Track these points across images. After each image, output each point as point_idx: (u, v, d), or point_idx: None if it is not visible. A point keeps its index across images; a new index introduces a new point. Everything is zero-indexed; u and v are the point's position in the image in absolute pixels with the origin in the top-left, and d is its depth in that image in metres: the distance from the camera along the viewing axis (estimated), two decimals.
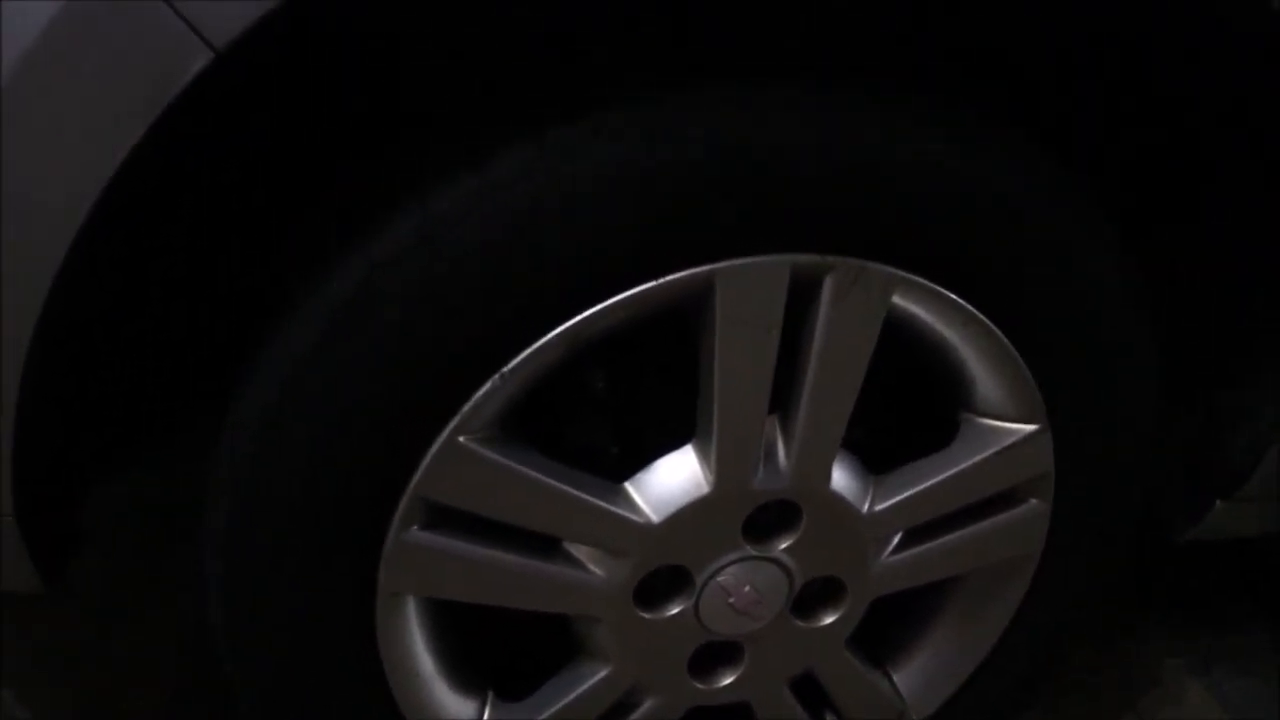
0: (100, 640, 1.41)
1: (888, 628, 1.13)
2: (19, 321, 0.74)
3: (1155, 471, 1.13)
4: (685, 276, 0.81)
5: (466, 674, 1.01)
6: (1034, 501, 1.05)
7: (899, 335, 0.93)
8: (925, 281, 0.88)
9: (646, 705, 1.02)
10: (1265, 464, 1.13)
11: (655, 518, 0.90)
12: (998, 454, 0.99)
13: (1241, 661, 1.58)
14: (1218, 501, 1.19)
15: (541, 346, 0.81)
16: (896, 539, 1.01)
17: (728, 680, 1.03)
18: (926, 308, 0.91)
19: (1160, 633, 1.61)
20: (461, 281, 0.78)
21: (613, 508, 0.89)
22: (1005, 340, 0.94)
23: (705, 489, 0.90)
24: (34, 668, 1.36)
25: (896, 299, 0.88)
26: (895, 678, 1.14)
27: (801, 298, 0.86)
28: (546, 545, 0.91)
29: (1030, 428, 0.99)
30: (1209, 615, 1.66)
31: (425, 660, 0.97)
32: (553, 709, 0.99)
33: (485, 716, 1.01)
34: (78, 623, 1.42)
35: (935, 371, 0.98)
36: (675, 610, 0.95)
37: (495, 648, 1.05)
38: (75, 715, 1.31)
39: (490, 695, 1.02)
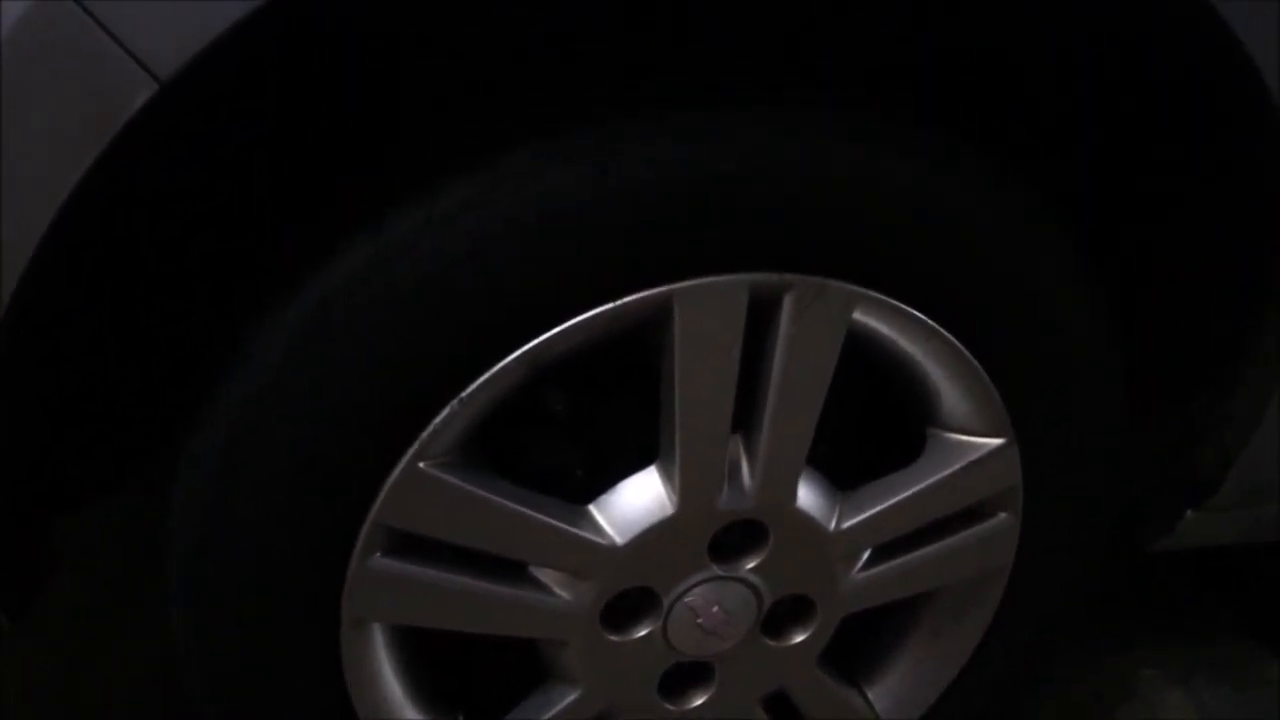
0: (69, 676, 1.40)
1: (860, 644, 1.13)
2: None
3: (1125, 482, 1.13)
4: (643, 298, 0.81)
5: (436, 699, 1.00)
6: (1003, 515, 1.05)
7: (862, 351, 0.93)
8: (886, 298, 0.88)
9: None
10: (1235, 473, 1.13)
11: (620, 540, 0.89)
12: (965, 468, 0.99)
13: (1220, 670, 1.58)
14: (1189, 511, 1.19)
15: (499, 371, 0.81)
16: (865, 555, 1.00)
17: (699, 701, 1.02)
18: (888, 324, 0.91)
19: (1138, 643, 1.61)
20: (414, 309, 0.78)
21: (577, 530, 0.88)
22: (969, 355, 0.94)
23: (670, 510, 0.89)
24: (7, 696, 1.35)
25: (858, 315, 0.88)
26: (869, 694, 1.14)
27: (762, 316, 0.85)
28: (511, 569, 0.90)
29: (997, 441, 0.99)
30: (1186, 624, 1.66)
31: (394, 686, 0.96)
32: None
33: None
34: (45, 660, 1.41)
35: (900, 387, 0.98)
36: (643, 632, 0.95)
37: (465, 672, 1.04)
38: None
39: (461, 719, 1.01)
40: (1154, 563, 1.69)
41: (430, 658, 1.00)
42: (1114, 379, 1.03)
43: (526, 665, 1.00)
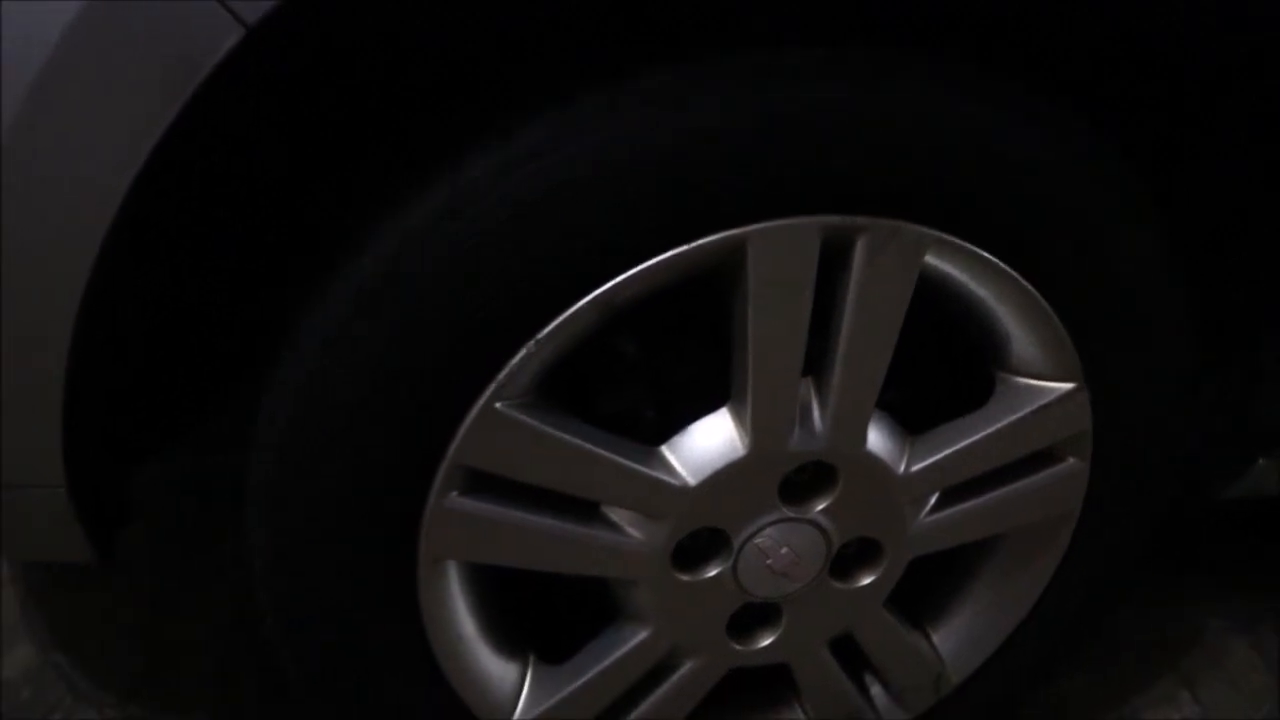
0: (152, 614, 1.44)
1: (927, 588, 1.13)
2: (66, 295, 0.75)
3: (1196, 428, 1.12)
4: (717, 240, 0.81)
5: (508, 638, 1.02)
6: (1072, 460, 1.04)
7: (934, 295, 0.93)
8: (959, 241, 0.88)
9: (686, 667, 1.03)
10: None
11: (692, 480, 0.90)
12: (1034, 413, 0.98)
13: None
14: (1260, 459, 1.18)
15: (574, 313, 0.82)
16: (934, 499, 1.01)
17: (766, 642, 1.03)
18: (961, 267, 0.91)
19: (1204, 594, 1.60)
20: (491, 251, 0.79)
21: (649, 471, 0.90)
22: (1041, 298, 0.93)
23: (741, 451, 0.90)
24: (87, 638, 1.39)
25: (930, 258, 0.88)
26: (934, 638, 1.14)
27: (835, 259, 0.86)
28: (584, 509, 0.92)
29: (1067, 386, 0.99)
30: (1253, 576, 1.64)
31: (468, 624, 0.99)
32: (593, 671, 1.00)
33: (527, 679, 1.02)
34: (131, 597, 1.45)
35: (971, 331, 0.98)
36: (713, 572, 0.96)
37: (537, 611, 1.06)
38: (127, 686, 1.34)
39: (532, 658, 1.03)
40: (1220, 513, 1.68)
41: (503, 597, 1.02)
42: (1186, 323, 1.02)
43: (597, 605, 1.02)
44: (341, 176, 0.93)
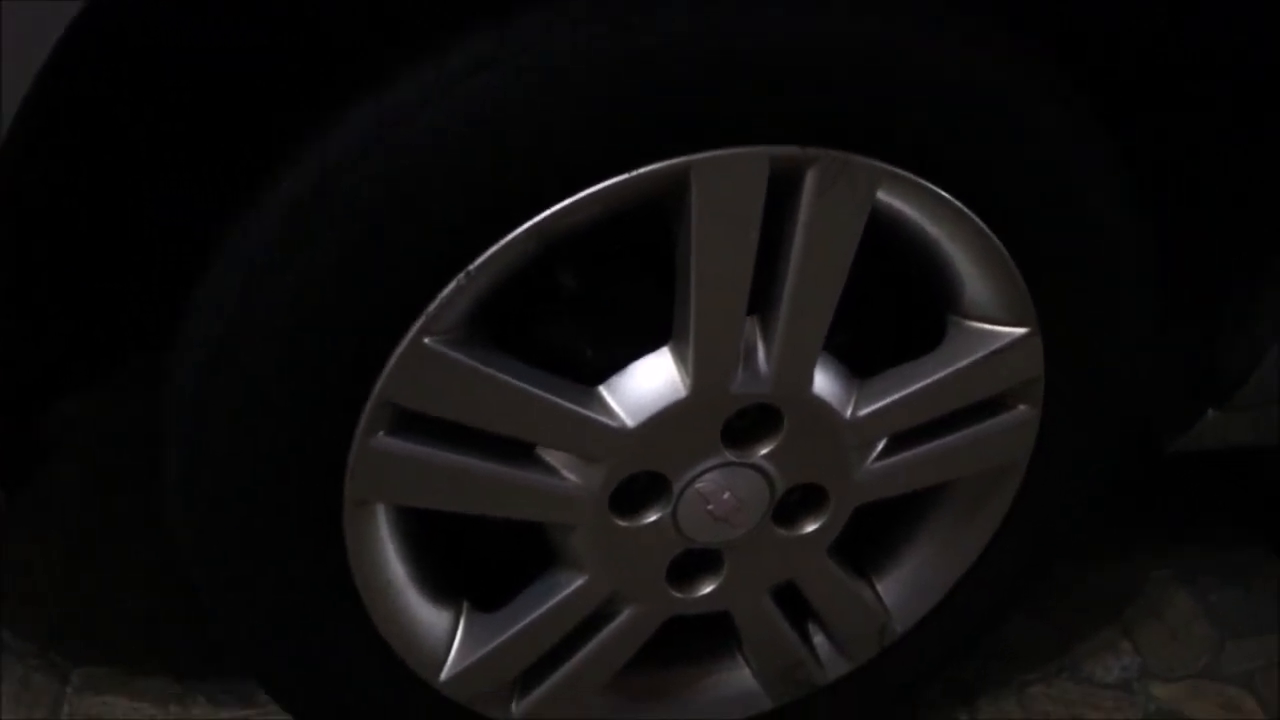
0: (74, 561, 1.39)
1: (872, 536, 1.11)
2: None
3: (1149, 379, 1.10)
4: (659, 169, 0.77)
5: (441, 584, 0.99)
6: (1023, 408, 1.02)
7: (886, 233, 0.90)
8: (912, 176, 0.85)
9: (625, 614, 1.00)
10: (1261, 371, 1.11)
11: (630, 422, 0.87)
12: (986, 358, 0.96)
13: (1227, 572, 1.58)
14: (1210, 410, 1.17)
15: (508, 243, 0.78)
16: (881, 445, 0.98)
17: (707, 589, 1.01)
18: (913, 204, 0.87)
19: (1147, 545, 1.60)
20: (420, 177, 0.74)
21: (586, 411, 0.86)
22: (995, 239, 0.90)
23: (682, 392, 0.87)
24: (7, 589, 1.34)
25: (882, 195, 0.85)
26: (879, 587, 1.12)
27: (783, 193, 0.82)
28: (519, 451, 0.88)
29: (1020, 331, 0.96)
30: (1196, 527, 1.65)
31: (398, 570, 0.95)
32: (528, 619, 0.97)
33: (460, 626, 0.99)
34: (51, 544, 1.40)
35: (923, 272, 0.95)
36: (652, 518, 0.93)
37: (471, 557, 1.03)
38: (48, 635, 1.30)
39: (465, 606, 1.00)
40: (1165, 465, 1.68)
41: (436, 542, 0.99)
42: (1144, 272, 1.00)
43: (534, 551, 0.99)
44: (262, 98, 0.87)
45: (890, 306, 1.01)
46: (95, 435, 1.53)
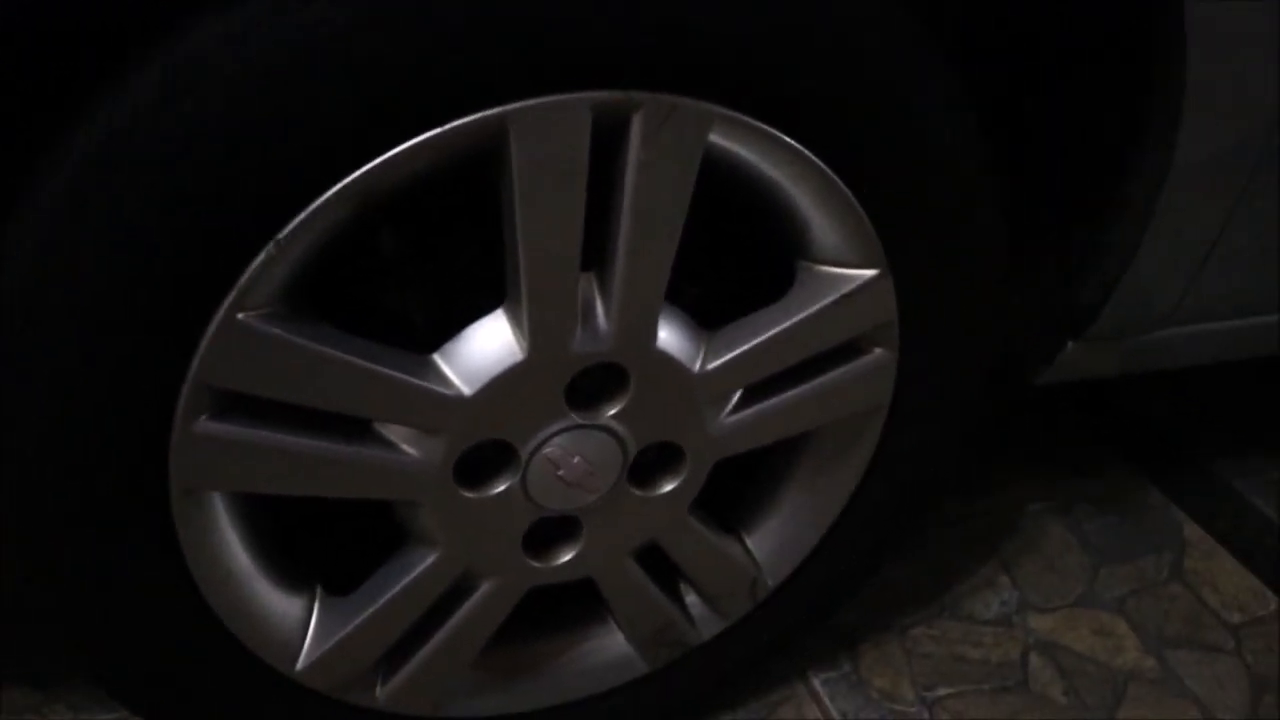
0: None
1: (737, 491, 1.09)
2: None
3: (1006, 314, 1.10)
4: (473, 121, 0.73)
5: (290, 571, 0.94)
6: (879, 351, 1.01)
7: (725, 179, 0.87)
8: (746, 118, 0.81)
9: (484, 588, 0.97)
10: (1114, 302, 1.11)
11: (467, 390, 0.83)
12: (836, 302, 0.94)
13: (1100, 501, 1.60)
14: (1070, 343, 1.17)
15: (319, 208, 0.73)
16: (735, 398, 0.96)
17: (567, 557, 0.98)
18: (750, 147, 0.84)
19: (1020, 477, 1.62)
20: (214, 141, 0.69)
21: (420, 381, 0.82)
22: (837, 180, 0.88)
23: (520, 355, 0.83)
24: None
25: (715, 138, 0.81)
26: (748, 542, 1.11)
27: (609, 141, 0.78)
28: (355, 427, 0.84)
29: (869, 273, 0.94)
30: (1066, 458, 1.67)
31: (240, 559, 0.90)
32: (383, 599, 0.93)
33: (314, 613, 0.95)
34: None
35: (766, 217, 0.92)
36: (501, 488, 0.90)
37: (320, 541, 0.98)
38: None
39: (318, 591, 0.95)
40: (1034, 397, 1.69)
41: (281, 528, 0.94)
42: (993, 207, 0.98)
43: (385, 530, 0.95)
44: (52, 52, 0.81)
45: (737, 255, 0.98)
46: None
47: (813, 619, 1.22)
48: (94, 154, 0.70)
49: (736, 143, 0.83)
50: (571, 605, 1.09)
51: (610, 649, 1.11)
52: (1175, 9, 0.89)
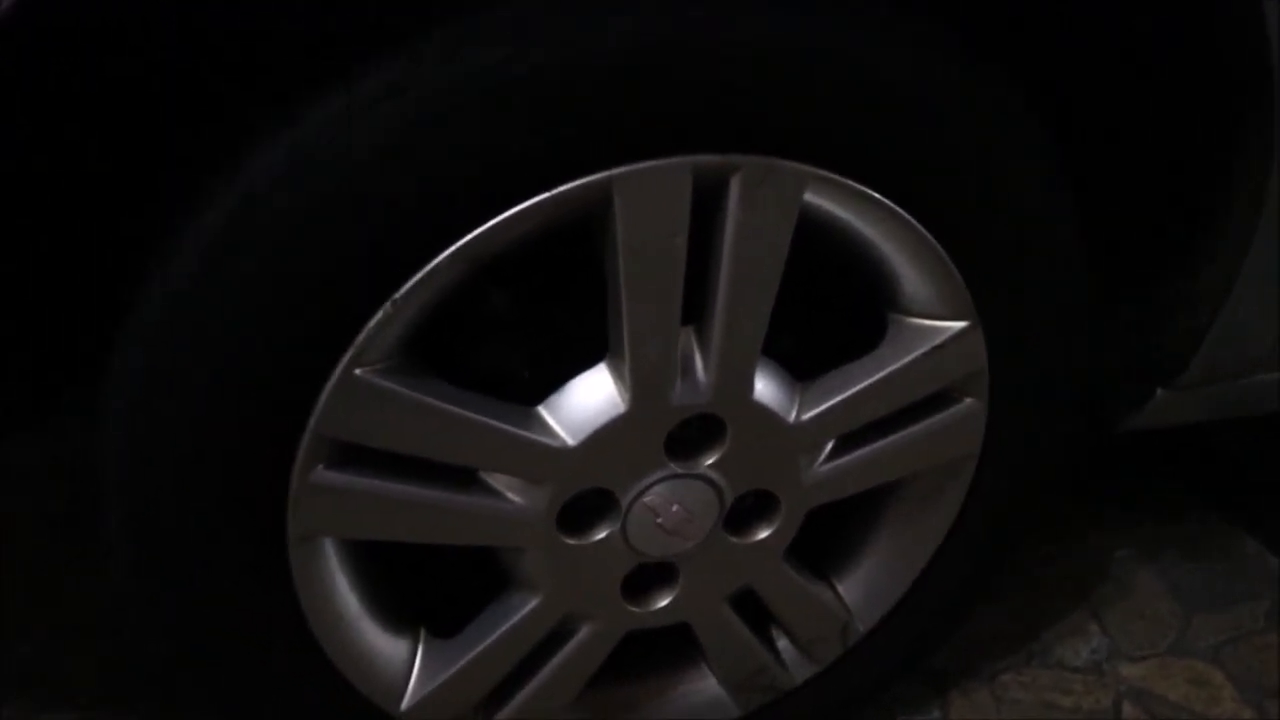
0: (36, 603, 1.37)
1: (829, 538, 1.11)
2: None
3: (1094, 362, 1.10)
4: (580, 185, 0.77)
5: (396, 614, 0.98)
6: (969, 400, 1.02)
7: (819, 235, 0.89)
8: (838, 177, 0.84)
9: (582, 632, 0.99)
10: (1203, 350, 1.11)
11: (571, 440, 0.86)
12: (927, 353, 0.95)
13: (1190, 548, 1.58)
14: (1158, 390, 1.17)
15: (434, 269, 0.77)
16: (829, 447, 0.98)
17: (664, 602, 1.00)
18: (843, 205, 0.87)
19: (1108, 524, 1.61)
20: (337, 207, 0.73)
21: (526, 433, 0.85)
22: (928, 234, 0.90)
23: (622, 407, 0.86)
24: None
25: (810, 197, 0.84)
26: (839, 588, 1.12)
27: (709, 201, 0.81)
28: (462, 477, 0.87)
29: (960, 324, 0.96)
30: (1156, 505, 1.65)
31: (350, 603, 0.94)
32: (485, 642, 0.96)
33: (418, 655, 0.98)
34: (13, 586, 1.38)
35: (858, 272, 0.95)
36: (602, 534, 0.92)
37: (425, 585, 1.02)
38: (15, 679, 1.27)
39: (423, 634, 0.99)
40: (1123, 444, 1.68)
41: (388, 572, 0.97)
42: (1079, 257, 1.00)
43: (489, 575, 0.98)
44: (173, 140, 0.86)
45: (831, 308, 1.00)
46: (53, 475, 1.51)
47: (903, 665, 1.23)
48: (221, 225, 0.75)
49: (830, 201, 0.86)
50: (666, 648, 1.11)
51: (703, 692, 1.12)
52: (1262, 51, 0.90)
